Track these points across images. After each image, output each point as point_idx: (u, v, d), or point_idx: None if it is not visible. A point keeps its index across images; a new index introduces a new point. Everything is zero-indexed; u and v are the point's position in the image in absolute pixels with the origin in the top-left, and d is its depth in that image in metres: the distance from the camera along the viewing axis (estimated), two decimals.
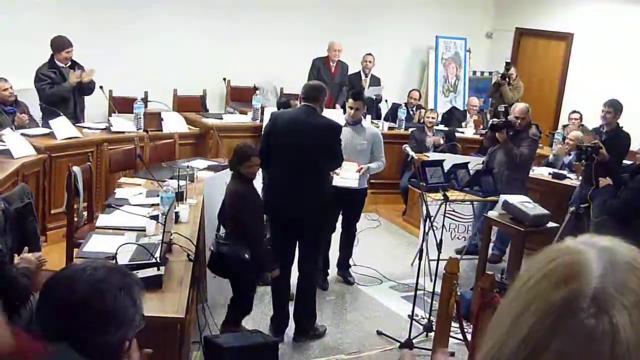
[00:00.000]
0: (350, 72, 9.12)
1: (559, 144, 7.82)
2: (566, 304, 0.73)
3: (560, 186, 7.13)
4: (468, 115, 9.30)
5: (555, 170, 7.42)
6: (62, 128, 6.39)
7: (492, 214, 5.86)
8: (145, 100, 7.75)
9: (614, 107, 7.01)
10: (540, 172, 7.46)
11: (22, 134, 6.19)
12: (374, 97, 9.09)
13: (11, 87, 6.50)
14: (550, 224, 5.59)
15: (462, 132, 8.87)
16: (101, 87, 7.19)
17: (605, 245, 0.79)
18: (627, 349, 0.70)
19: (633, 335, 0.71)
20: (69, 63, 6.91)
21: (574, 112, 8.41)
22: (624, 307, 0.72)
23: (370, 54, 9.15)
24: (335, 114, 7.95)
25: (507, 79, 9.11)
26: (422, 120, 8.82)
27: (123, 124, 6.92)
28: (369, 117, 8.53)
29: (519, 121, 6.36)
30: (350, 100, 5.75)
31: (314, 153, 4.84)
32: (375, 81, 9.19)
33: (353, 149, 5.74)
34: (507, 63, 9.20)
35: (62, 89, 6.80)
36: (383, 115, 9.16)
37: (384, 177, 8.58)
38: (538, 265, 0.79)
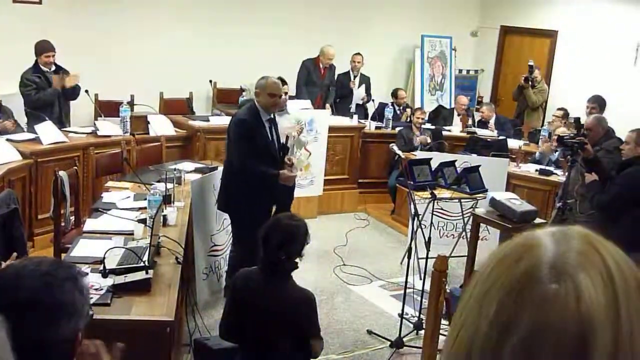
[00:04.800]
0: (338, 71, 9.12)
1: (545, 141, 7.85)
2: (527, 276, 0.76)
3: (546, 182, 7.18)
4: (455, 113, 9.33)
5: (542, 167, 7.46)
6: (48, 133, 6.35)
7: (480, 211, 5.88)
8: (131, 104, 7.71)
9: (598, 103, 7.03)
10: (526, 169, 7.50)
11: (8, 140, 6.15)
12: (360, 103, 9.12)
13: None
14: (538, 220, 5.61)
15: (449, 130, 8.89)
16: (87, 91, 7.15)
17: (557, 228, 0.84)
18: (591, 304, 0.73)
19: (594, 292, 0.74)
20: (53, 67, 6.87)
21: (559, 109, 8.46)
22: (582, 268, 0.75)
23: (359, 54, 9.15)
24: (324, 114, 7.99)
25: (530, 82, 9.14)
26: (409, 119, 8.85)
27: (109, 127, 6.90)
28: (355, 116, 8.55)
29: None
30: None
31: (228, 146, 5.29)
32: (365, 80, 9.19)
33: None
34: (530, 66, 9.20)
35: (47, 94, 6.77)
36: (370, 114, 9.18)
37: (372, 177, 8.62)
38: (495, 253, 0.83)
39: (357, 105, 9.12)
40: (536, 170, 7.40)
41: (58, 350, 1.64)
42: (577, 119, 5.94)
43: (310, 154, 7.46)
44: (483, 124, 9.13)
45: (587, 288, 0.74)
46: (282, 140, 5.32)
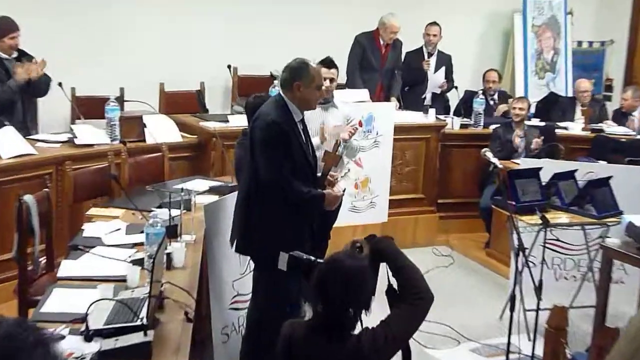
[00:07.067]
0: (408, 49, 9.09)
1: None
2: None
3: None
4: (578, 103, 9.22)
5: None
6: (9, 143, 6.46)
7: (612, 242, 5.79)
8: (120, 100, 7.83)
9: None
10: None
11: None
12: (438, 91, 9.09)
13: None
14: None
15: (565, 129, 8.80)
16: (60, 84, 7.26)
17: None
18: None
19: None
20: (15, 54, 7.01)
21: None
22: None
23: (435, 23, 9.11)
24: (387, 109, 7.96)
25: None
26: (507, 114, 8.77)
27: (91, 133, 6.99)
28: (432, 111, 8.51)
29: None
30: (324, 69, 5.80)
31: (245, 160, 5.07)
32: (444, 60, 9.14)
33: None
34: None
35: (7, 89, 6.88)
36: (452, 108, 9.14)
37: (457, 195, 8.56)
38: None
39: (434, 94, 9.10)
40: None
41: None
42: None
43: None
44: (623, 116, 8.98)
45: None
46: (315, 142, 5.29)
